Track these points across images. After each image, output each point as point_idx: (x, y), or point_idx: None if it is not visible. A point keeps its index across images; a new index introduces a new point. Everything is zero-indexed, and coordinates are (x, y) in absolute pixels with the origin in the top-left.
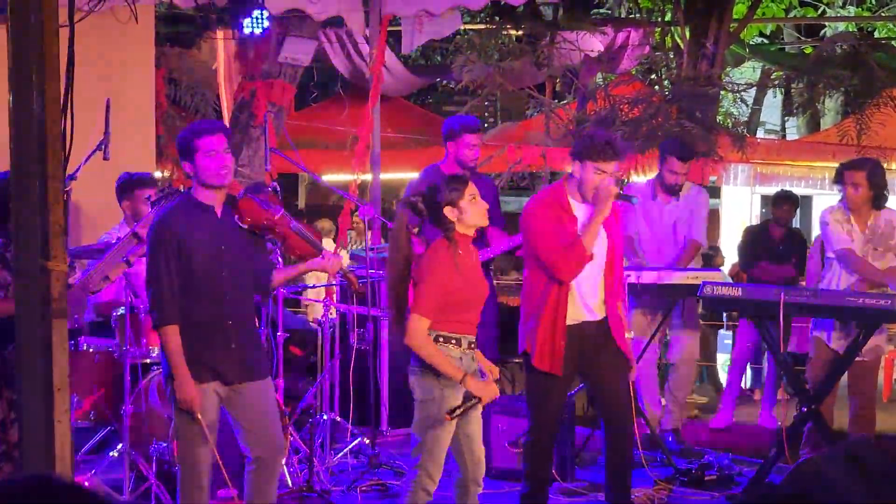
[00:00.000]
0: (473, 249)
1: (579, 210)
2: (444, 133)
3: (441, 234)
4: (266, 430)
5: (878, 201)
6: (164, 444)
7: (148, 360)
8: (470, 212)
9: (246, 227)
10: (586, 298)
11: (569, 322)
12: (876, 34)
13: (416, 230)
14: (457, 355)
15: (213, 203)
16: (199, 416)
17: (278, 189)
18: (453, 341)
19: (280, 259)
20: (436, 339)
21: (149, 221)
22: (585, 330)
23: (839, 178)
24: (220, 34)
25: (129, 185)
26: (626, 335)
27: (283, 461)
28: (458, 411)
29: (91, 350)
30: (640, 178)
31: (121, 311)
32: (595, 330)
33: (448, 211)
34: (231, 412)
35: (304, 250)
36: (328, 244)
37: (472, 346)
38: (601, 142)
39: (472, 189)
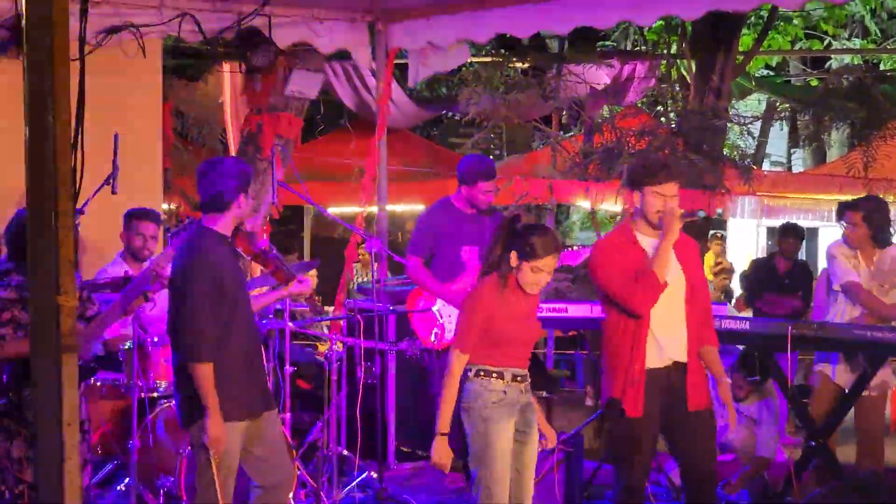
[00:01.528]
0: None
1: (647, 243)
2: (459, 174)
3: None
4: (281, 457)
5: (879, 239)
6: (172, 479)
7: (155, 394)
8: (526, 275)
9: (248, 258)
10: (664, 340)
11: (650, 365)
12: (881, 66)
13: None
14: (500, 388)
15: (229, 237)
16: (217, 458)
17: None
18: (495, 374)
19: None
20: (477, 374)
21: (168, 257)
22: (669, 375)
23: (840, 217)
24: (226, 67)
25: (128, 216)
26: (725, 383)
27: (291, 495)
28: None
29: (98, 383)
30: None
31: (128, 344)
32: (679, 376)
33: (512, 256)
34: (247, 444)
35: (284, 277)
36: None
37: (520, 379)
38: (655, 165)
39: (544, 263)
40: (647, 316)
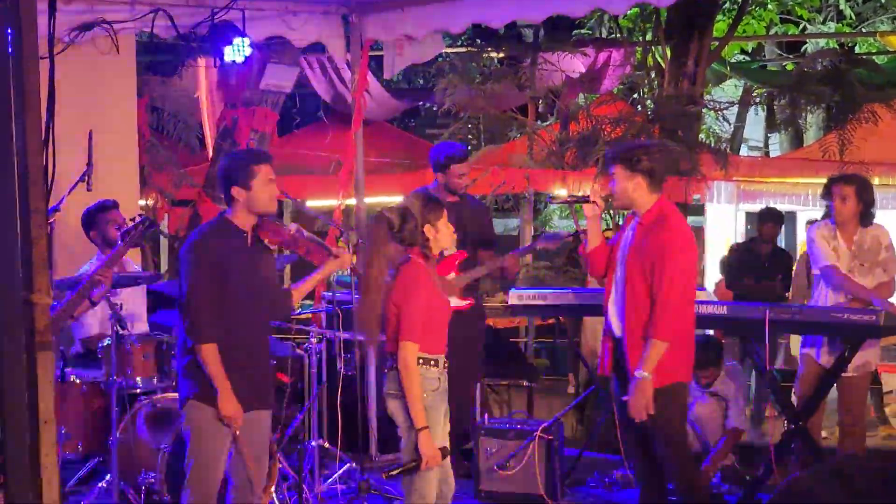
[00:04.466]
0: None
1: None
2: (431, 162)
3: (411, 254)
4: (257, 458)
5: (865, 218)
6: (153, 474)
7: (136, 391)
8: (444, 233)
9: (274, 247)
10: (609, 312)
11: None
12: (857, 50)
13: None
14: (435, 376)
15: (248, 230)
16: (238, 432)
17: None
18: (432, 362)
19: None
20: (417, 362)
21: (119, 254)
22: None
23: (827, 192)
24: (201, 62)
25: (91, 216)
26: (639, 373)
27: (273, 488)
28: (394, 472)
29: (78, 381)
30: None
31: (107, 341)
32: (620, 348)
33: (427, 229)
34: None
35: (322, 256)
36: None
37: (445, 365)
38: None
39: (446, 214)
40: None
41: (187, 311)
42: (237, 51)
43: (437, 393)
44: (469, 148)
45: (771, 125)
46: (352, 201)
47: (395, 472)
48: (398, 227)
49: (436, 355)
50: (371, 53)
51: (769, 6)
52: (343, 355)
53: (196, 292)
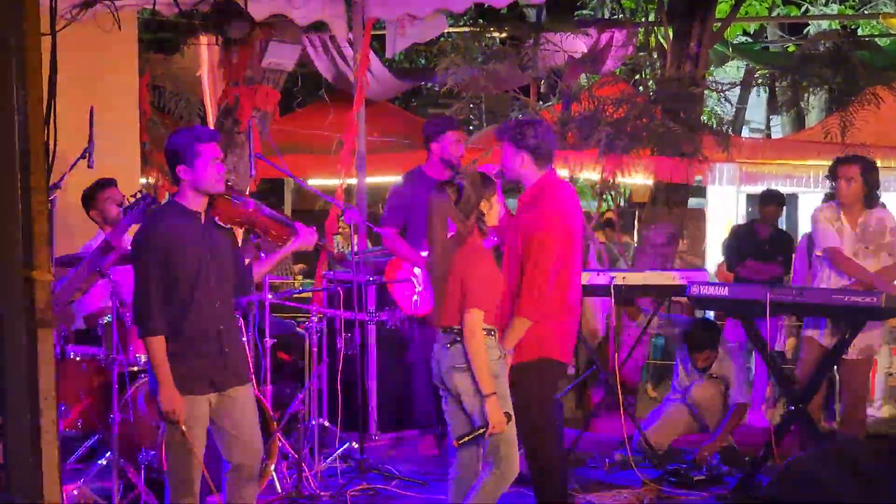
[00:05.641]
0: None
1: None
2: (424, 135)
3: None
4: (250, 435)
5: (869, 200)
6: (153, 452)
7: (135, 368)
8: (495, 209)
9: (229, 227)
10: None
11: None
12: (859, 32)
13: None
14: (495, 345)
15: (200, 209)
16: (183, 427)
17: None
18: (493, 332)
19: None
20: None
21: (122, 230)
22: None
23: (833, 173)
24: (203, 40)
25: (89, 194)
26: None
27: (273, 467)
28: (464, 439)
29: (78, 358)
30: (627, 180)
31: (107, 319)
32: None
33: (483, 204)
34: (216, 419)
35: (284, 233)
36: None
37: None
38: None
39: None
40: None
41: (136, 304)
42: (239, 28)
43: (501, 361)
44: (471, 128)
45: (773, 107)
46: (353, 180)
47: (465, 439)
48: (455, 199)
49: (493, 326)
50: (373, 32)
51: None
52: (344, 334)
53: (143, 284)
